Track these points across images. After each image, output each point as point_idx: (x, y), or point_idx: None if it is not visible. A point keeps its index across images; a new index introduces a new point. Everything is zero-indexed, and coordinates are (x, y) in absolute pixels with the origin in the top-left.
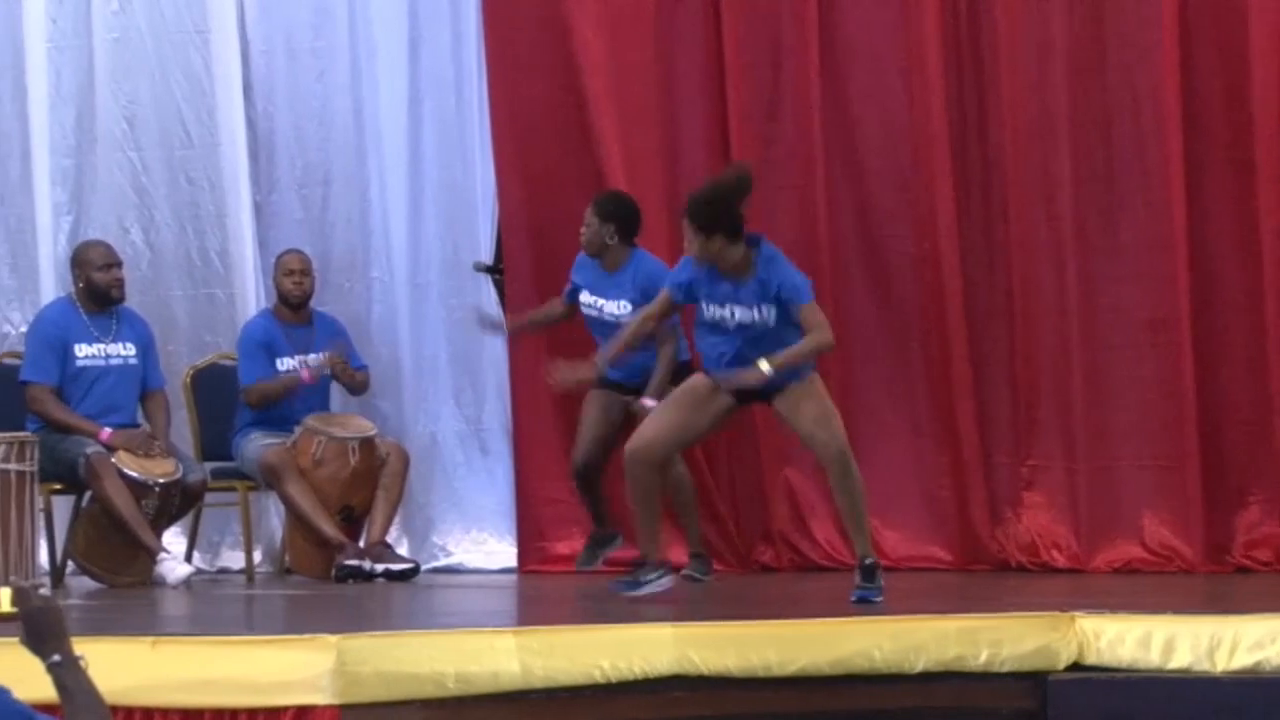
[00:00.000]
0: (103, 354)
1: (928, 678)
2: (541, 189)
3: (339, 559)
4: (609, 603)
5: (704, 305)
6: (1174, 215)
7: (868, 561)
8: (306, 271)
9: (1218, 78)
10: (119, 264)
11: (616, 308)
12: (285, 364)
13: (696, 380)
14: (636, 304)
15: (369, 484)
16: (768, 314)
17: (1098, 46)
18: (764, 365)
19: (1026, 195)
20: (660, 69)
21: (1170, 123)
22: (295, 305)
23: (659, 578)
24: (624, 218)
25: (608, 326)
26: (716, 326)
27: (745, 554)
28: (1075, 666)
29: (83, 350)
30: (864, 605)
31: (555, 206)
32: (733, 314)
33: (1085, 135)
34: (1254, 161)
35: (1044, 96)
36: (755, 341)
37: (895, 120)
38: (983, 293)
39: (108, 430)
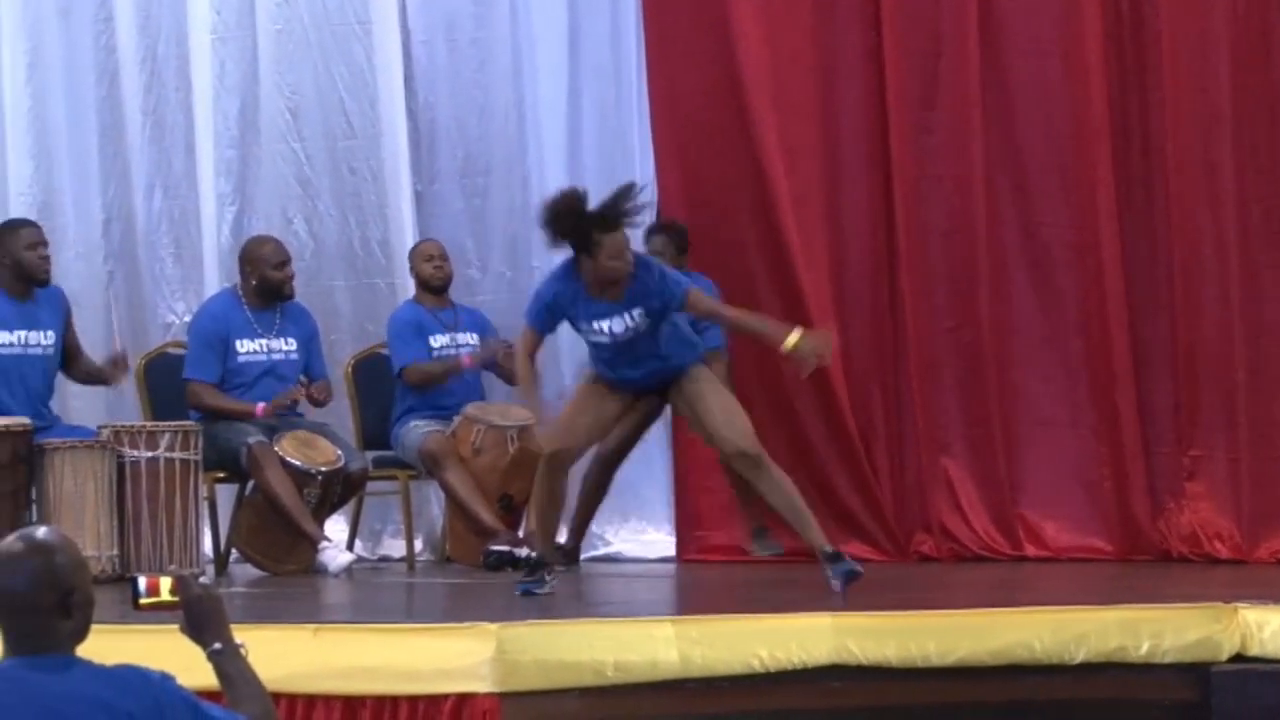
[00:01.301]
0: (264, 349)
1: (1088, 669)
2: (700, 180)
3: (488, 545)
4: (768, 591)
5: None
6: None
7: (828, 550)
8: (445, 257)
9: None
10: (290, 260)
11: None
12: (438, 340)
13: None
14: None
15: (528, 473)
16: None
17: (1263, 36)
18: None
19: (1188, 184)
20: (818, 58)
21: None
22: (437, 290)
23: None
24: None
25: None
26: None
27: (904, 543)
28: (1238, 658)
29: (244, 346)
30: (849, 580)
31: (714, 197)
32: (607, 330)
33: (1248, 125)
34: None
35: (1206, 86)
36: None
37: (1055, 109)
38: (1143, 281)
39: (261, 404)
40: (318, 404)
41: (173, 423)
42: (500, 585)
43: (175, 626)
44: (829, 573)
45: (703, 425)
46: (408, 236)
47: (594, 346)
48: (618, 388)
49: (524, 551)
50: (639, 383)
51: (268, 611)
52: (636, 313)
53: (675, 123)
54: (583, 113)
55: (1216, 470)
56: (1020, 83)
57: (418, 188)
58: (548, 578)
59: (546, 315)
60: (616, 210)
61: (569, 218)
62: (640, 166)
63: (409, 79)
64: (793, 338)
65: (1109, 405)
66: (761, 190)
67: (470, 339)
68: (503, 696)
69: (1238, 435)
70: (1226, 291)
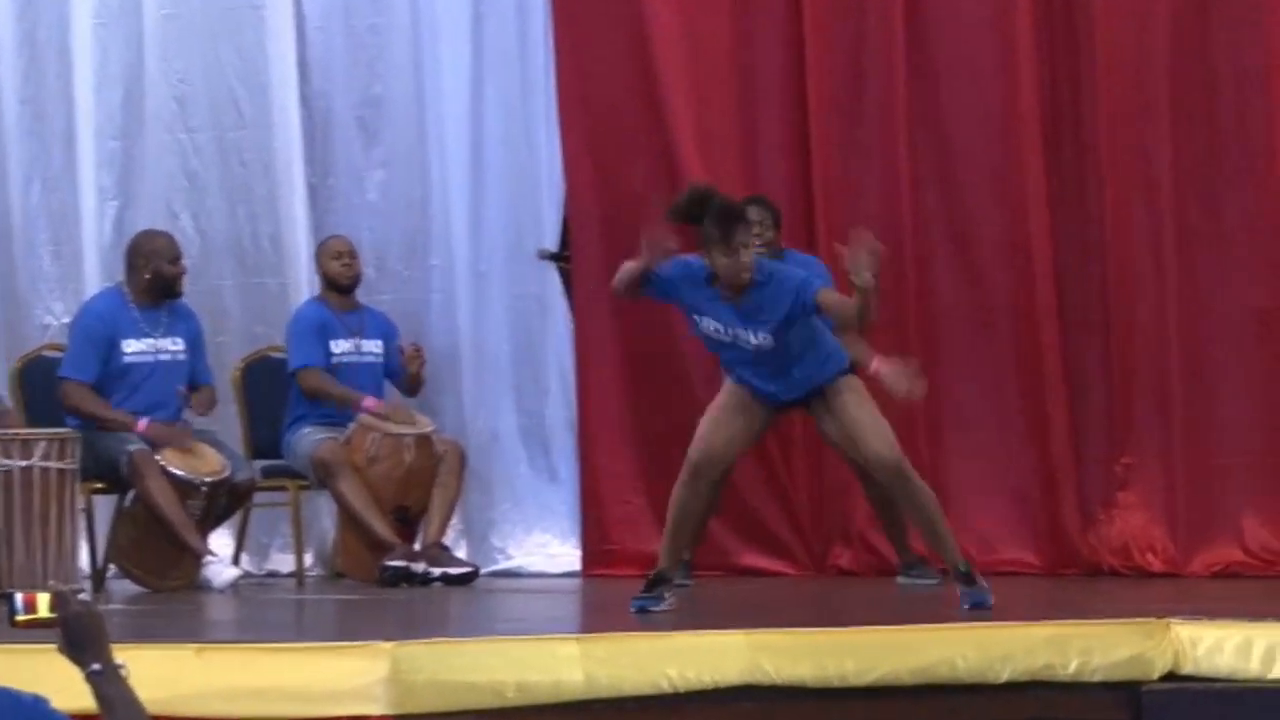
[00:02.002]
0: (152, 349)
1: (1014, 688)
2: (611, 172)
3: (384, 559)
4: (678, 608)
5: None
6: None
7: (963, 568)
8: (354, 254)
9: None
10: (183, 256)
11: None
12: (340, 346)
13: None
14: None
15: (425, 483)
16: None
17: (1202, 19)
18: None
19: (1124, 177)
20: (737, 42)
21: (1277, 99)
22: (345, 289)
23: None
24: None
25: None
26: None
27: (821, 556)
28: (1171, 676)
29: (131, 346)
30: (981, 610)
31: (626, 193)
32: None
33: (1188, 114)
34: None
35: (1142, 74)
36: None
37: (985, 97)
38: (1076, 280)
39: (144, 421)
40: (200, 415)
41: (48, 430)
42: (395, 602)
43: (52, 646)
44: (961, 592)
45: (849, 436)
46: (301, 232)
47: (721, 349)
48: (759, 397)
49: (420, 566)
50: (779, 396)
51: (148, 630)
52: (764, 323)
53: (585, 114)
54: (486, 101)
55: (1150, 479)
56: (948, 72)
57: (311, 181)
58: (667, 595)
59: (668, 276)
60: (739, 212)
61: (697, 206)
62: (547, 160)
63: (303, 66)
64: (878, 368)
65: (1038, 411)
66: (674, 179)
67: (375, 347)
68: (398, 719)
69: (1172, 442)
70: (1163, 291)
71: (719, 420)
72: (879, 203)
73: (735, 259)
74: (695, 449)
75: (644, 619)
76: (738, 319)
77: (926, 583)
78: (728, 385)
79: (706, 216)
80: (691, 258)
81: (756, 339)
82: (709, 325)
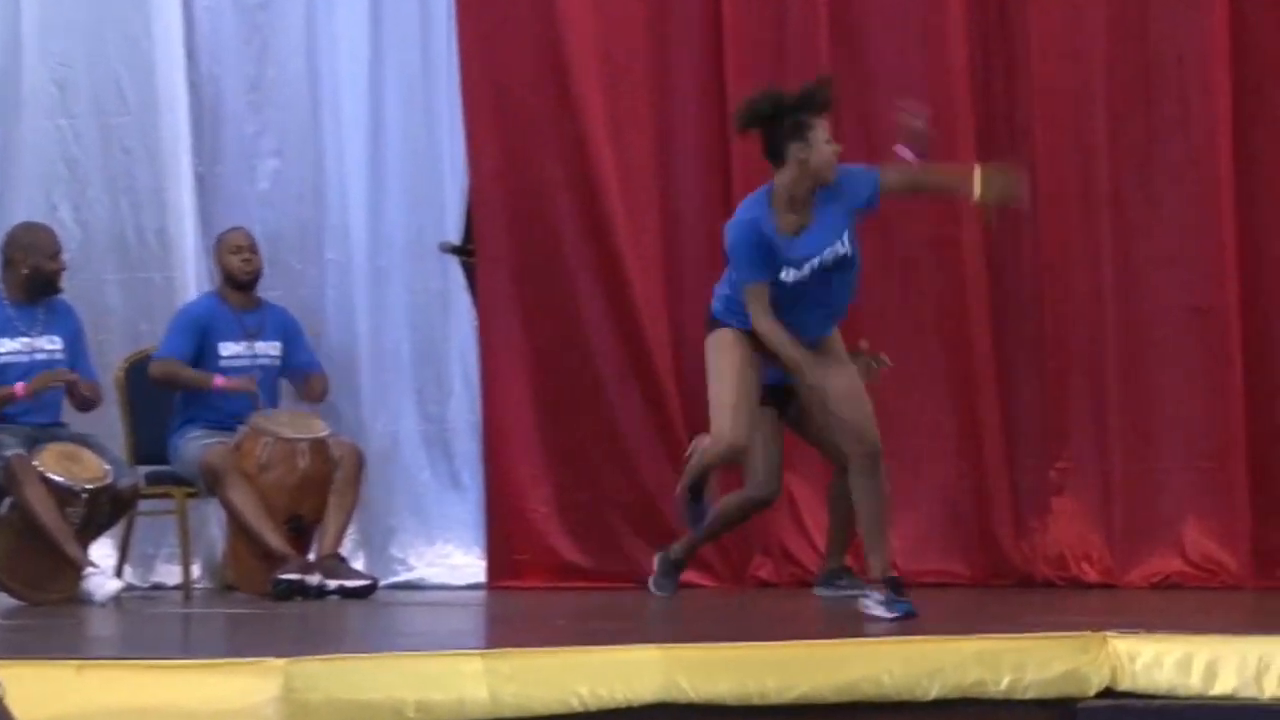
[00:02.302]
0: (28, 349)
1: (943, 705)
2: (518, 158)
3: (277, 571)
4: (589, 621)
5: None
6: (1222, 190)
7: (891, 576)
8: (255, 248)
9: (1271, 36)
10: (62, 250)
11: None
12: (230, 349)
13: (729, 338)
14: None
15: (320, 490)
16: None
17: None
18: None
19: (1058, 169)
20: (651, 25)
21: (1219, 88)
22: (245, 285)
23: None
24: None
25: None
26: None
27: (741, 567)
28: (1108, 692)
29: (4, 345)
30: (908, 619)
31: (533, 177)
32: (812, 265)
33: (1125, 100)
34: None
35: (1079, 56)
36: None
37: (912, 83)
38: (1009, 277)
39: (20, 384)
40: (86, 404)
41: None
42: (289, 616)
43: None
44: (882, 601)
45: (826, 408)
46: (188, 224)
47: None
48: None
49: (316, 579)
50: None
51: (26, 646)
52: (843, 231)
53: (490, 94)
54: (385, 85)
55: (1086, 485)
56: (874, 57)
57: (199, 170)
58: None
59: (763, 255)
60: (821, 94)
61: (772, 103)
62: (450, 147)
63: (190, 48)
64: (978, 185)
65: (969, 413)
66: (585, 168)
67: (272, 349)
68: None
69: (1110, 446)
70: (1099, 287)
71: (726, 394)
72: None
73: (830, 147)
74: (717, 437)
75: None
76: (817, 239)
77: (854, 593)
78: (720, 343)
79: (784, 112)
80: (736, 221)
81: (843, 248)
82: (798, 269)
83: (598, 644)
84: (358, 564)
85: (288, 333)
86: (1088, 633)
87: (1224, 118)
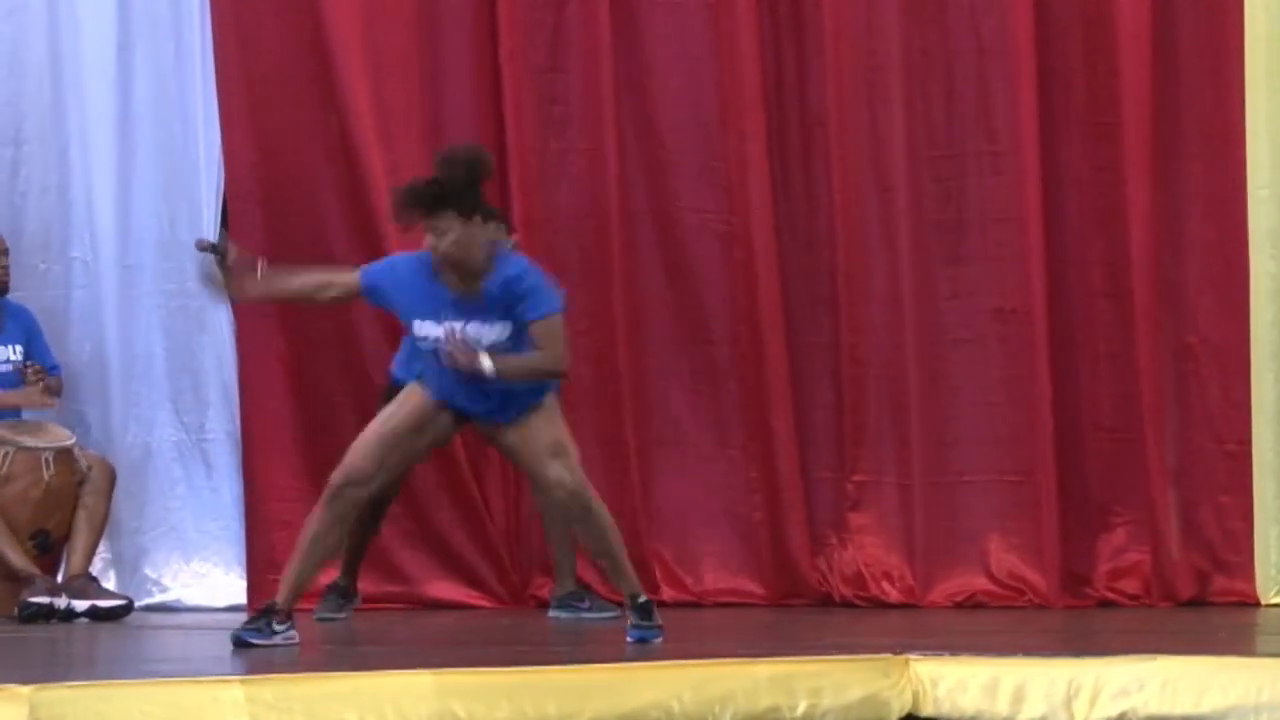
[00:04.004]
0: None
1: None
2: (277, 151)
3: (24, 595)
4: (359, 645)
5: (415, 322)
6: (1027, 185)
7: (641, 600)
8: (5, 251)
9: (1077, 25)
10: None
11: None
12: None
13: (414, 392)
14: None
15: (67, 504)
16: (503, 331)
17: None
18: (485, 360)
19: (853, 160)
20: (420, 9)
21: (1023, 77)
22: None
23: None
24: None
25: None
26: (429, 345)
27: (520, 588)
28: (910, 718)
29: None
30: (644, 645)
31: (293, 171)
32: (456, 331)
33: (923, 91)
34: (1119, 124)
35: (874, 44)
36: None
37: (699, 70)
38: (802, 276)
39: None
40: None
41: None
42: (36, 640)
43: None
44: (631, 621)
45: (525, 458)
46: None
47: (432, 359)
48: (448, 409)
49: (64, 601)
50: (474, 409)
51: None
52: (498, 324)
53: (247, 83)
54: (134, 71)
55: (885, 499)
56: (657, 41)
57: None
58: (277, 627)
59: (377, 278)
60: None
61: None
62: (204, 133)
63: None
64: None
65: (761, 422)
66: (349, 163)
67: (12, 353)
68: None
69: (910, 457)
70: (897, 289)
71: (371, 437)
72: (581, 194)
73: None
74: (338, 470)
75: (241, 652)
76: (466, 313)
77: (596, 615)
78: (407, 398)
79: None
80: (399, 257)
81: (491, 334)
82: (427, 329)
83: (367, 669)
84: (109, 584)
85: (29, 333)
86: (888, 655)
87: (1028, 110)
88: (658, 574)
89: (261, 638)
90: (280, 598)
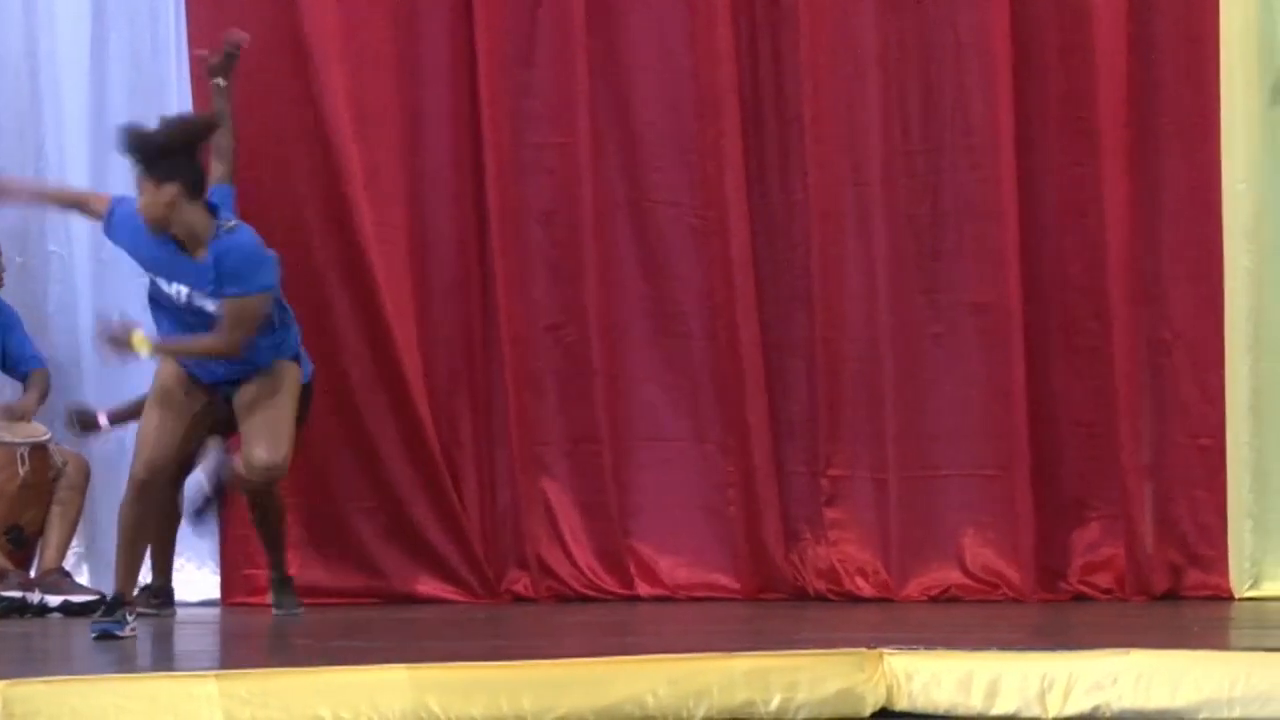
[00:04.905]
0: None
1: None
2: (253, 145)
3: None
4: (331, 640)
5: (149, 275)
6: (1003, 181)
7: (289, 574)
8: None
9: (1053, 21)
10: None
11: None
12: None
13: (167, 373)
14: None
15: (42, 499)
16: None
17: None
18: (139, 341)
19: (829, 156)
20: (397, 4)
21: (1000, 74)
22: None
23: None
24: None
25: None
26: (166, 303)
27: (495, 581)
28: (884, 713)
29: None
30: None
31: (271, 166)
32: (182, 295)
33: (899, 85)
34: (1095, 122)
35: (852, 38)
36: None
37: (675, 65)
38: (778, 271)
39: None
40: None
41: None
42: (9, 635)
43: None
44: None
45: (242, 429)
46: None
47: (165, 317)
48: (197, 382)
49: (37, 596)
50: (219, 376)
51: None
52: (210, 290)
53: None
54: (109, 62)
55: (860, 494)
56: (633, 35)
57: None
58: (129, 617)
59: (120, 221)
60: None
61: (205, 140)
62: None
63: None
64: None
65: (737, 417)
66: (326, 157)
67: None
68: None
69: (885, 452)
70: (873, 283)
71: (151, 427)
72: (557, 189)
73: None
74: (136, 463)
75: (105, 645)
76: (191, 274)
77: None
78: (154, 383)
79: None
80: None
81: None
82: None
83: (341, 664)
84: (82, 579)
85: (7, 327)
86: (862, 649)
87: (1005, 107)
88: (633, 569)
89: (119, 629)
90: (121, 588)
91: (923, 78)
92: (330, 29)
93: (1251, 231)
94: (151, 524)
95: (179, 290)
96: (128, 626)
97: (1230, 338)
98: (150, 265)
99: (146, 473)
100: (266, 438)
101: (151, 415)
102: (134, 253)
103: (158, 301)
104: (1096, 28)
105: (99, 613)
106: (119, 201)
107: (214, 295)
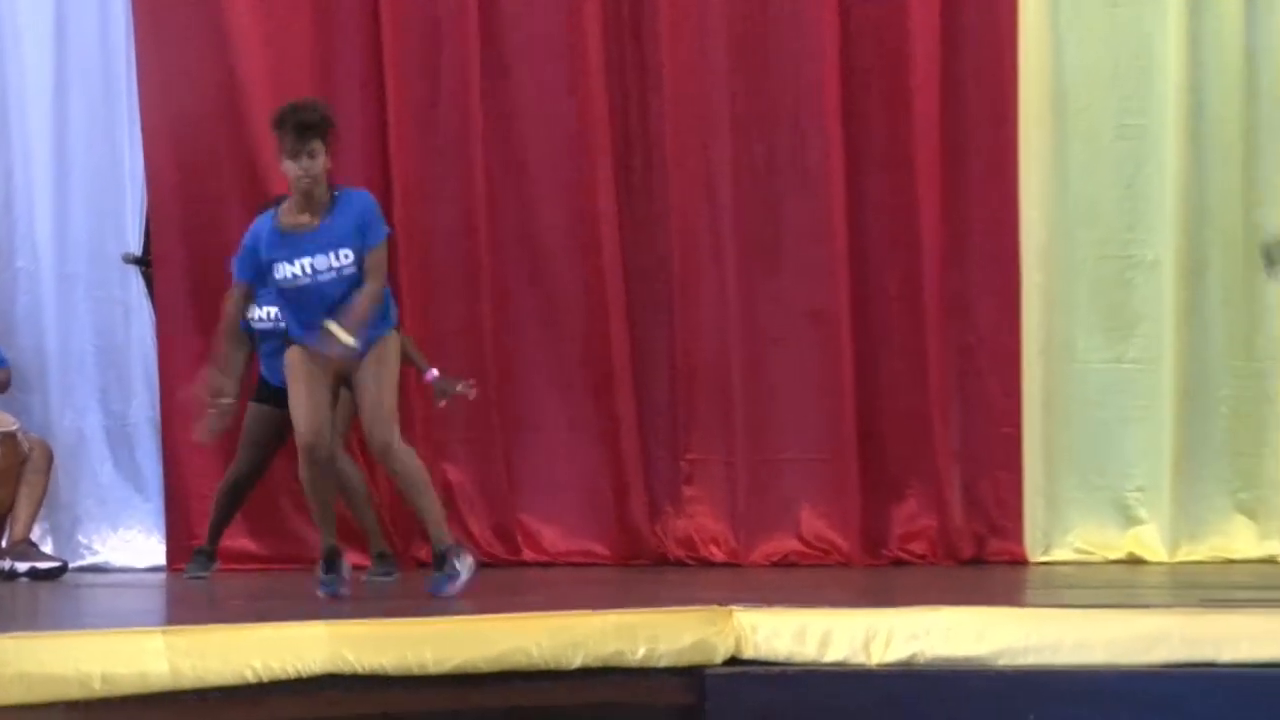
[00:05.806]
0: None
1: (586, 674)
2: (193, 178)
3: None
4: (261, 601)
5: (275, 269)
6: (834, 208)
7: (440, 548)
8: None
9: (877, 72)
10: None
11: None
12: None
13: (296, 355)
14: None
15: (11, 481)
16: (345, 259)
17: (761, 40)
18: (336, 330)
19: (686, 179)
20: (319, 51)
21: (831, 121)
22: None
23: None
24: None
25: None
26: (290, 289)
27: (402, 550)
28: (733, 661)
29: None
30: (441, 593)
31: (208, 195)
32: (306, 270)
33: (746, 131)
34: (912, 158)
35: (705, 84)
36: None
37: (556, 104)
38: (644, 284)
39: None
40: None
41: None
42: None
43: None
44: (447, 571)
45: (356, 401)
46: None
47: (289, 302)
48: (318, 354)
49: (7, 563)
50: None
51: None
52: (342, 252)
53: (167, 116)
54: (69, 105)
55: (712, 475)
56: (521, 78)
57: None
58: (345, 570)
59: (250, 259)
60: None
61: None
62: (130, 161)
63: None
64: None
65: (608, 409)
66: (258, 193)
67: None
68: None
69: (734, 439)
70: (724, 293)
71: (302, 398)
72: (456, 209)
73: (289, 165)
74: (300, 433)
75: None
76: (315, 246)
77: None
78: (289, 362)
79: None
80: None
81: (339, 260)
82: (286, 272)
83: (269, 621)
84: (47, 548)
85: None
86: (715, 607)
87: (836, 145)
88: (520, 538)
89: (334, 588)
90: (329, 541)
91: (767, 123)
92: (259, 78)
93: (1044, 251)
94: (329, 481)
95: (303, 266)
96: (342, 583)
97: (1026, 343)
98: (282, 257)
99: (313, 436)
100: (381, 418)
101: (299, 389)
102: (268, 254)
103: (285, 294)
104: (913, 80)
105: (322, 570)
106: (240, 258)
107: (358, 249)
